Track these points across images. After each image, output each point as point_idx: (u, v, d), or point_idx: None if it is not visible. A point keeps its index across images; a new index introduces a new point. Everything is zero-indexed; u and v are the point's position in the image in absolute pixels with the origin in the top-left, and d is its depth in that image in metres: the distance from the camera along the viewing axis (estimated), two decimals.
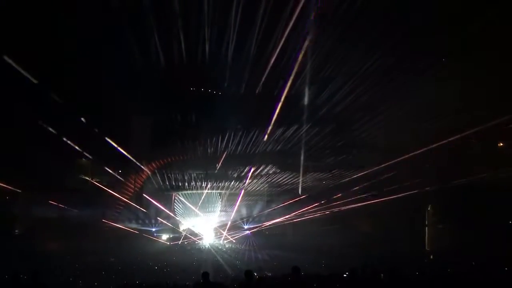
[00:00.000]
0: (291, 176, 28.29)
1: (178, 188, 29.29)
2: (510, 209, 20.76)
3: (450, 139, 22.23)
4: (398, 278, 8.22)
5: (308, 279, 10.79)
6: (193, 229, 30.53)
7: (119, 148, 25.59)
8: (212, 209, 30.73)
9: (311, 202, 26.94)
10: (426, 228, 25.47)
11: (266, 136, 26.32)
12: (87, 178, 29.54)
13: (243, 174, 29.58)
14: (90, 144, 26.16)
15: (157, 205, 28.94)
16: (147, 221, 27.54)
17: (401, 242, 22.72)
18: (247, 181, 29.76)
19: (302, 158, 26.95)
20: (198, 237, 30.06)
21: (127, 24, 21.79)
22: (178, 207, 30.22)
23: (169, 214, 29.92)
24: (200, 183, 29.45)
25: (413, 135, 22.01)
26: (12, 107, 22.48)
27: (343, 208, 25.52)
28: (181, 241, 29.38)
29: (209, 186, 29.56)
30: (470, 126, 21.90)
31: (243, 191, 30.06)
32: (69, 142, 24.51)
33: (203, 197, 30.38)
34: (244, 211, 31.08)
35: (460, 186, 22.45)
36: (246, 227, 30.42)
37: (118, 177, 29.56)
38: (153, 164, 28.08)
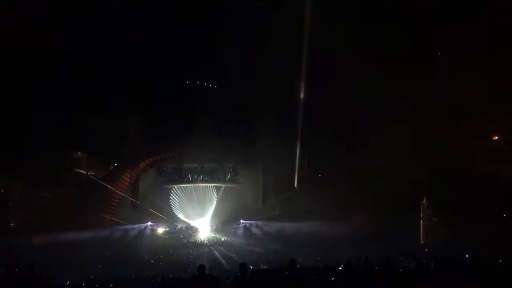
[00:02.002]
0: (287, 169, 28.32)
1: (175, 181, 29.27)
2: (505, 202, 20.87)
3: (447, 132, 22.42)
4: (393, 270, 8.28)
5: (304, 272, 10.85)
6: (189, 222, 30.57)
7: (115, 141, 25.54)
8: (209, 203, 30.76)
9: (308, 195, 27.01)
10: (421, 221, 25.57)
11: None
12: (82, 171, 29.46)
13: (240, 167, 29.61)
14: (85, 137, 26.08)
15: (153, 199, 28.94)
16: (142, 215, 27.52)
17: (396, 235, 22.79)
18: (243, 174, 29.82)
19: (298, 150, 27.08)
20: (194, 231, 30.11)
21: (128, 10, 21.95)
22: (174, 201, 30.23)
23: (165, 208, 29.92)
24: (196, 176, 29.44)
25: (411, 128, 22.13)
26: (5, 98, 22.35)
27: (339, 200, 25.59)
28: (177, 234, 29.42)
29: (205, 179, 29.56)
30: (468, 118, 22.00)
31: (239, 184, 30.12)
32: (64, 134, 24.43)
33: (199, 190, 30.40)
34: (240, 205, 31.14)
35: (456, 179, 22.57)
36: (242, 220, 30.47)
37: (114, 170, 29.54)
38: (150, 157, 28.04)
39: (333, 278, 9.29)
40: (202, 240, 28.05)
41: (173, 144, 27.97)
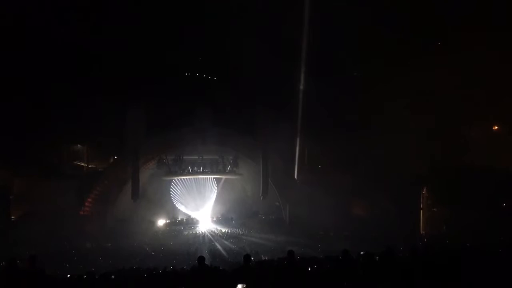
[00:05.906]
0: (287, 159, 28.35)
1: (175, 173, 29.25)
2: (504, 192, 20.94)
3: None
4: (392, 260, 8.31)
5: (304, 262, 10.91)
6: (190, 213, 30.62)
7: (115, 133, 25.56)
8: (209, 194, 30.78)
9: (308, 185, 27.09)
10: (421, 211, 25.66)
11: None
12: (82, 164, 29.48)
13: (240, 159, 29.56)
14: (85, 129, 26.10)
15: (153, 190, 28.94)
16: (143, 206, 27.54)
17: (395, 225, 22.88)
18: (244, 165, 29.80)
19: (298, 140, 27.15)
20: (195, 222, 30.18)
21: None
22: (174, 192, 30.24)
23: (166, 199, 29.93)
24: (196, 168, 29.42)
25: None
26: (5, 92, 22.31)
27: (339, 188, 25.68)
28: (177, 226, 29.48)
29: (205, 171, 29.54)
30: (468, 110, 22.04)
31: (239, 176, 30.10)
32: (64, 126, 24.48)
33: (200, 181, 30.39)
34: (240, 196, 31.18)
35: (456, 169, 22.63)
36: (242, 212, 30.53)
37: (114, 162, 29.55)
38: (150, 149, 27.97)
39: (332, 268, 9.34)
40: (203, 231, 28.11)
41: (174, 136, 27.88)
